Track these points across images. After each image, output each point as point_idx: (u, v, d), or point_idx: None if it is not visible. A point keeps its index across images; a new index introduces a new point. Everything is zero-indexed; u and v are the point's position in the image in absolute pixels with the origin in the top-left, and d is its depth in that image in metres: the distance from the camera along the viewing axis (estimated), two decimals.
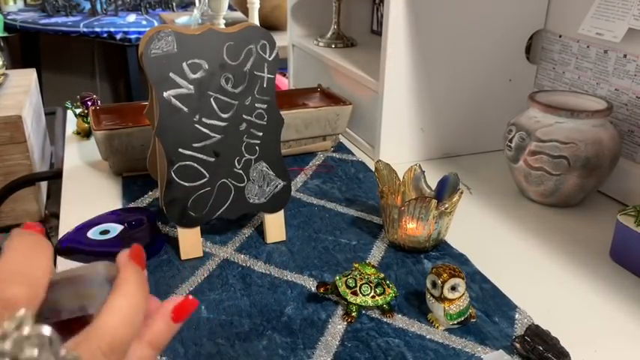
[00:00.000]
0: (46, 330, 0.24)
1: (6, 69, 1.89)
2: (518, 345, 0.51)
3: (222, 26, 1.49)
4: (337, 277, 0.57)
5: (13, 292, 0.25)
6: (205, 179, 0.63)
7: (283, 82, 1.61)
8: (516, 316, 0.57)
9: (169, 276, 0.62)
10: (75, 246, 0.64)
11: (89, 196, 0.81)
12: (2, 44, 2.60)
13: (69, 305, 0.29)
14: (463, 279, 0.54)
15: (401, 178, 0.73)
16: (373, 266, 0.58)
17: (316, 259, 0.66)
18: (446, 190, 0.69)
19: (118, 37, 2.46)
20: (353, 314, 0.55)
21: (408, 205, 0.64)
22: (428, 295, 0.55)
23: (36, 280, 0.26)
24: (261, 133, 0.65)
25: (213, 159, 0.63)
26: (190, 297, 0.33)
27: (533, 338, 0.50)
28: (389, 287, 0.56)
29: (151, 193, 0.81)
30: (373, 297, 0.55)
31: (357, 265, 0.58)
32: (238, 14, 2.34)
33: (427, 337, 0.54)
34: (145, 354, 0.31)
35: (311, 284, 0.61)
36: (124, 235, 0.65)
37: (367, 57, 1.09)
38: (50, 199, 1.82)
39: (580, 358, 0.51)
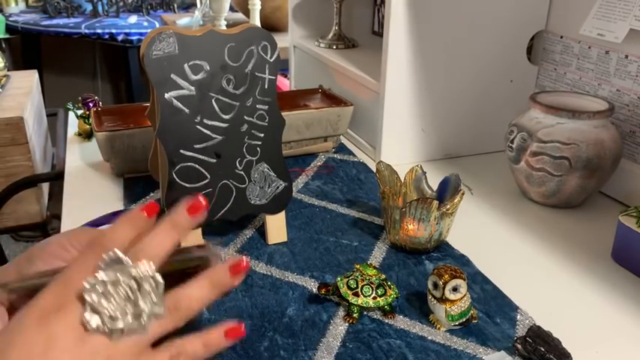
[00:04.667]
0: (160, 278, 0.37)
1: (7, 70, 1.89)
2: (519, 346, 0.51)
3: (224, 27, 1.49)
4: (338, 278, 0.57)
5: (141, 257, 0.37)
6: (207, 180, 0.63)
7: (284, 83, 1.61)
8: (518, 317, 0.57)
9: None
10: None
11: (91, 197, 0.81)
12: (4, 46, 2.61)
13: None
14: (464, 280, 0.53)
15: (402, 179, 0.73)
16: (374, 267, 0.58)
17: (317, 260, 0.66)
18: (447, 191, 0.69)
19: (120, 38, 2.46)
20: (354, 315, 0.55)
21: (409, 206, 0.64)
22: (429, 296, 0.55)
23: (159, 256, 0.38)
24: (262, 134, 0.65)
25: (214, 160, 0.63)
26: (243, 326, 0.41)
27: (535, 339, 0.50)
28: (390, 288, 0.56)
29: (152, 194, 0.81)
30: (374, 298, 0.55)
31: (358, 266, 0.58)
32: (239, 15, 2.34)
33: (428, 338, 0.54)
34: (198, 349, 0.40)
35: (312, 285, 0.61)
36: None
37: (368, 58, 1.09)
38: (52, 201, 1.82)
39: (582, 359, 0.51)
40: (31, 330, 0.34)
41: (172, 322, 0.39)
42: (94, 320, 0.35)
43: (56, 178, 1.49)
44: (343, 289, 0.56)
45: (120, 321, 0.36)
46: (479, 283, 0.62)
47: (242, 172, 0.65)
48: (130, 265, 0.37)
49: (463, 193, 0.66)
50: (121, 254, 0.37)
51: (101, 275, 0.36)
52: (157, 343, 0.39)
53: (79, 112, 1.05)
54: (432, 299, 0.55)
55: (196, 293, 0.39)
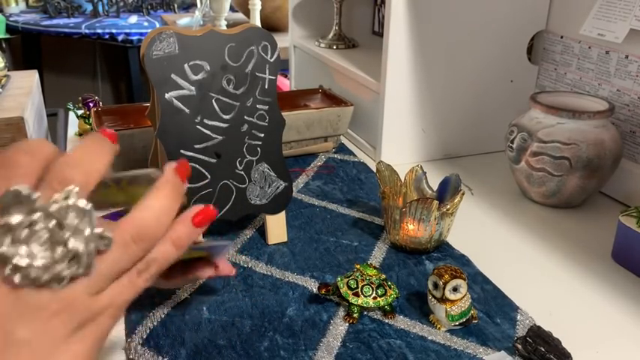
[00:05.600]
0: (86, 204, 0.30)
1: (8, 70, 1.89)
2: (519, 346, 0.51)
3: (224, 27, 1.49)
4: (339, 278, 0.57)
5: (70, 173, 0.31)
6: (207, 180, 0.63)
7: (285, 83, 1.61)
8: (518, 317, 0.57)
9: None
10: None
11: None
12: (4, 46, 2.61)
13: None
14: (465, 280, 0.54)
15: (402, 179, 0.73)
16: (375, 267, 0.58)
17: (318, 260, 0.66)
18: (447, 191, 0.69)
19: (120, 38, 2.46)
20: (354, 315, 0.55)
21: (409, 206, 0.64)
22: (429, 297, 0.55)
23: (91, 171, 0.32)
24: (262, 134, 0.65)
25: (214, 160, 0.63)
26: (211, 207, 0.38)
27: (535, 339, 0.50)
28: (390, 288, 0.56)
29: None
30: (375, 298, 0.55)
31: (358, 267, 0.58)
32: (239, 15, 2.34)
33: (429, 338, 0.54)
34: (168, 250, 0.35)
35: (312, 285, 0.61)
36: None
37: (368, 58, 1.09)
38: None
39: (582, 359, 0.51)
40: None
41: (140, 250, 0.33)
42: (17, 275, 0.29)
43: None
44: (343, 289, 0.56)
45: (54, 267, 0.29)
46: (479, 283, 0.62)
47: (242, 172, 0.65)
48: (40, 198, 0.29)
49: (463, 193, 0.66)
50: (24, 187, 0.29)
51: (6, 220, 0.29)
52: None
53: (80, 112, 1.05)
54: (432, 299, 0.55)
55: (158, 204, 0.34)
